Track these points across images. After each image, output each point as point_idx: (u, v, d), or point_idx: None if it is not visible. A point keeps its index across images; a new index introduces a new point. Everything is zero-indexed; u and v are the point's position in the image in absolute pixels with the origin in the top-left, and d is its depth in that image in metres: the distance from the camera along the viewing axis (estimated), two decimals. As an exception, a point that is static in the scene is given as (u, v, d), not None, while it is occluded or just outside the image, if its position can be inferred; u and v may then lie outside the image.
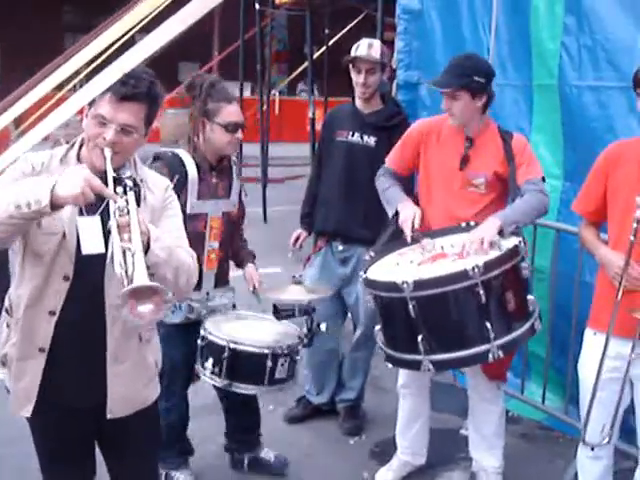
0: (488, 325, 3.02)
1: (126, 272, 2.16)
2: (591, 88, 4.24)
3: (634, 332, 2.93)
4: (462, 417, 4.49)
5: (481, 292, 3.00)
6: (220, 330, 3.41)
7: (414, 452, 4.06)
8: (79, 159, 2.53)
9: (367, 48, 4.28)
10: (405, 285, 3.04)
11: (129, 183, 2.36)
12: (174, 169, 3.44)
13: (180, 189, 3.30)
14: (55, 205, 2.21)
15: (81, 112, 2.52)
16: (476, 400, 3.89)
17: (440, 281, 3.07)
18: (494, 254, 3.18)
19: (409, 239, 3.52)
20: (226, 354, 3.30)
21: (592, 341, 3.20)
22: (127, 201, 2.28)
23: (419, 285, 3.05)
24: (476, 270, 2.98)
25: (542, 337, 4.54)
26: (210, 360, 3.35)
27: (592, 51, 4.21)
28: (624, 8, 4.06)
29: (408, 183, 4.07)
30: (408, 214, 3.59)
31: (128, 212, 2.25)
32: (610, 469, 3.32)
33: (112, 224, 2.24)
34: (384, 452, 4.33)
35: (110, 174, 2.36)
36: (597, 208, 3.22)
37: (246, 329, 3.50)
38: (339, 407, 4.71)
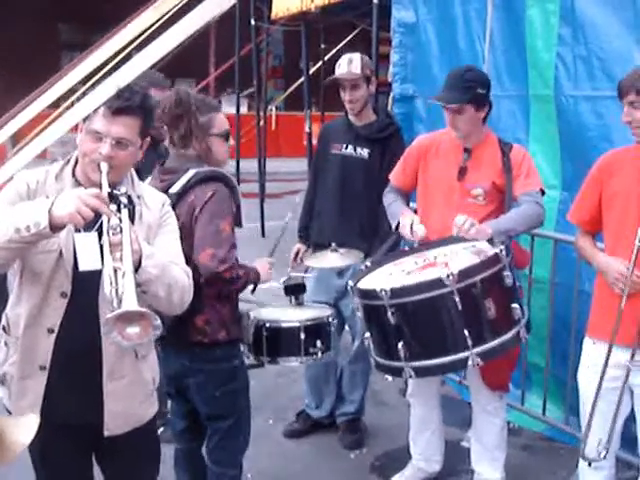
0: (466, 332, 3.03)
1: (116, 292, 2.15)
2: (587, 98, 4.25)
3: (633, 340, 2.92)
4: (463, 429, 4.48)
5: (457, 299, 3.01)
6: (261, 315, 3.47)
7: (427, 458, 4.05)
8: (74, 175, 2.54)
9: (347, 65, 4.30)
10: (383, 292, 3.07)
11: (123, 200, 2.35)
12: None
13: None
14: (54, 226, 2.21)
15: (77, 129, 2.52)
16: (478, 412, 3.89)
17: (416, 288, 3.09)
18: (472, 260, 3.19)
19: (415, 240, 3.57)
20: (265, 333, 3.38)
21: (591, 350, 3.19)
22: (120, 219, 2.27)
23: (396, 292, 3.08)
24: (451, 277, 2.99)
25: (542, 347, 4.54)
26: (253, 342, 3.41)
27: (587, 61, 4.22)
28: (618, 18, 4.08)
29: (409, 199, 4.09)
30: (406, 221, 3.63)
31: (121, 230, 2.24)
32: (612, 477, 3.30)
33: (104, 242, 2.24)
34: (385, 466, 4.31)
35: (105, 189, 2.35)
36: (592, 217, 3.22)
37: (281, 313, 3.57)
38: (339, 421, 4.69)
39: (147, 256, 2.35)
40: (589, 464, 3.17)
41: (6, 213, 2.32)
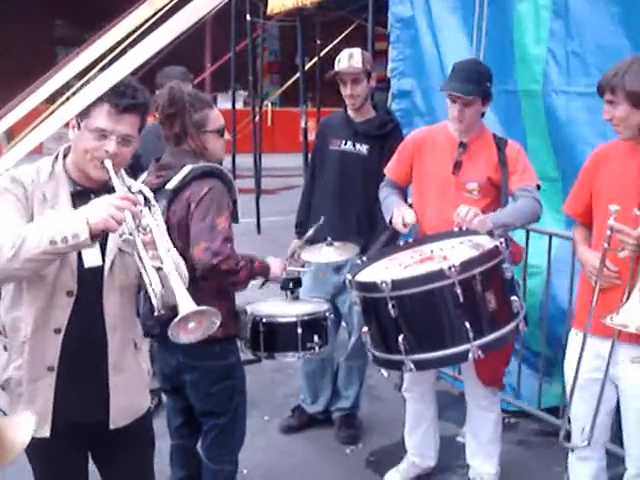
0: (467, 325, 3.01)
1: (153, 291, 2.25)
2: (578, 94, 4.24)
3: (612, 331, 2.92)
4: (459, 425, 4.49)
5: (458, 291, 2.99)
6: (257, 310, 3.44)
7: (422, 454, 4.07)
8: (66, 171, 2.52)
9: (348, 59, 4.29)
10: (384, 285, 3.04)
11: (148, 194, 2.42)
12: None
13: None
14: (93, 236, 2.23)
15: (68, 125, 2.51)
16: (473, 407, 3.90)
17: (418, 280, 3.07)
18: (471, 253, 3.19)
19: (404, 231, 3.62)
20: (262, 328, 3.35)
21: (574, 341, 3.21)
22: (152, 217, 2.35)
23: (397, 284, 3.05)
24: (452, 269, 2.97)
25: (536, 334, 4.54)
26: (250, 337, 3.38)
27: (579, 56, 4.22)
28: (611, 14, 4.08)
29: (405, 194, 4.09)
30: (397, 213, 3.65)
31: (151, 230, 2.30)
32: (602, 471, 3.31)
33: (137, 243, 2.27)
34: (380, 461, 4.32)
35: (118, 187, 2.39)
36: (585, 210, 3.24)
37: (278, 308, 3.55)
38: (335, 416, 4.70)
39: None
40: (571, 450, 3.22)
41: (29, 224, 2.34)
